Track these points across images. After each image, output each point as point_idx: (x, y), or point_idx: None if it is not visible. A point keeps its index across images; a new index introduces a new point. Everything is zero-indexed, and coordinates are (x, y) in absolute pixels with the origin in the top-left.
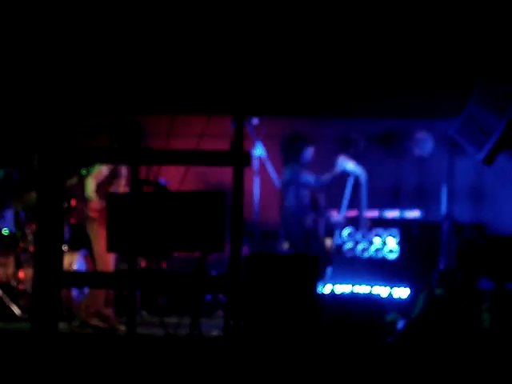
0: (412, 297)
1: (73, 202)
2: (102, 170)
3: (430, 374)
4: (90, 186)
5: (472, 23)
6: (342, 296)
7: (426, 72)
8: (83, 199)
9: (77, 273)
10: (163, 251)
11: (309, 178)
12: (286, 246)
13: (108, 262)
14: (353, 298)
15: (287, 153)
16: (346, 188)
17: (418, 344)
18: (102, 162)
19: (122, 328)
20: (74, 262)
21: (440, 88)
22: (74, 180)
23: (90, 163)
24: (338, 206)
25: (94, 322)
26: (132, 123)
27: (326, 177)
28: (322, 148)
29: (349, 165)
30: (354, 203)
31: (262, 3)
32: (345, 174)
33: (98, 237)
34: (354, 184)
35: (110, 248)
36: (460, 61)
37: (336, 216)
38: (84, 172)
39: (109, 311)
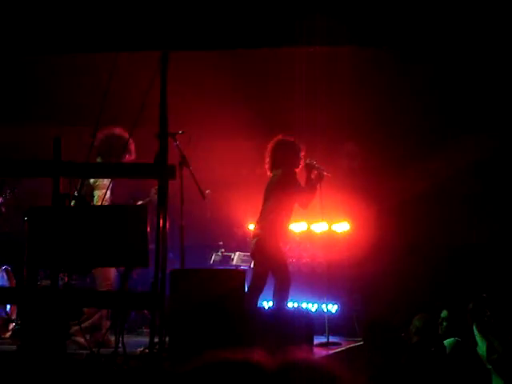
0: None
1: None
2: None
3: None
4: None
5: None
6: (271, 311)
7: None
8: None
9: None
10: (86, 266)
11: None
12: (214, 258)
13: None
14: (282, 313)
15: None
16: None
17: None
18: (23, 175)
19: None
20: None
21: None
22: None
23: (11, 177)
24: None
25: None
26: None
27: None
28: None
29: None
30: None
31: None
32: None
33: None
34: None
35: (31, 263)
36: None
37: None
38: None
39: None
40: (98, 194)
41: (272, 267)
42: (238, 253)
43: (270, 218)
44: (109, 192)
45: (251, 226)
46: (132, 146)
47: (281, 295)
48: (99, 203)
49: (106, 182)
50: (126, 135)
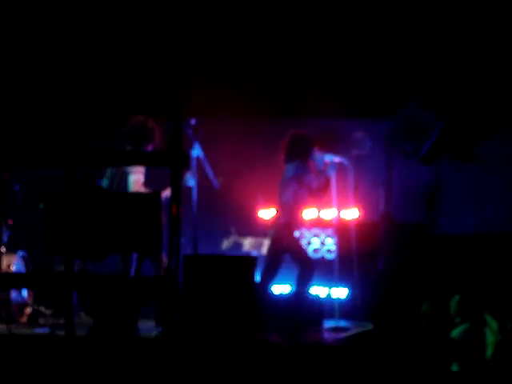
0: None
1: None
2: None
3: None
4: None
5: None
6: (281, 296)
7: (363, 72)
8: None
9: (15, 274)
10: (100, 253)
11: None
12: (226, 244)
13: None
14: (292, 298)
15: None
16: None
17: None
18: (38, 164)
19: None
20: (12, 263)
21: (377, 88)
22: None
23: (26, 165)
24: None
25: None
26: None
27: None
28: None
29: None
30: None
31: None
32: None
33: None
34: None
35: (47, 250)
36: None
37: None
38: None
39: None
40: (133, 179)
41: (294, 256)
42: (249, 239)
43: (288, 209)
44: (142, 177)
45: (261, 213)
46: (158, 132)
47: (303, 282)
48: (135, 189)
49: (140, 167)
50: (151, 121)
